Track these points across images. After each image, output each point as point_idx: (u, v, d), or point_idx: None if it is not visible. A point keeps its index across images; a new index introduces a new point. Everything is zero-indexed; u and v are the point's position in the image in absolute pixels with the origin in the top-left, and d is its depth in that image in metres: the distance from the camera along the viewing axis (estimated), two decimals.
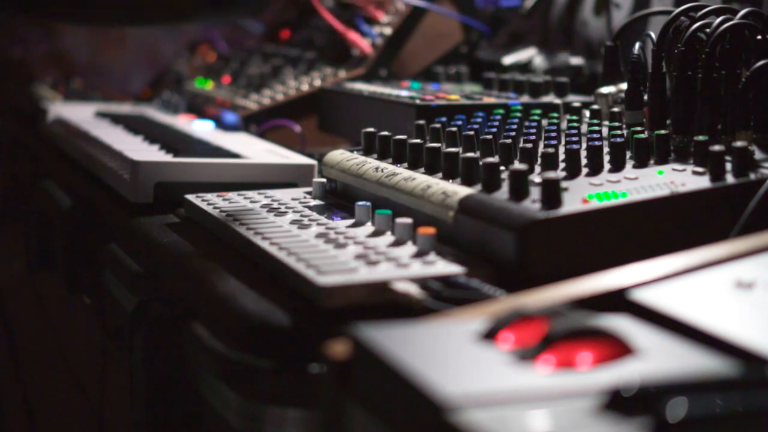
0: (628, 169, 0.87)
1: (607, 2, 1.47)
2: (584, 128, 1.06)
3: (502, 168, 0.87)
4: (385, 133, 1.04)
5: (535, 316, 0.56)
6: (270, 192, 1.06)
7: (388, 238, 0.85)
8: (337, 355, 0.56)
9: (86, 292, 1.21)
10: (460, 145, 1.00)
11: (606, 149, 0.90)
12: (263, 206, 0.98)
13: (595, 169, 0.87)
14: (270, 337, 0.72)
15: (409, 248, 0.81)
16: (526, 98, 1.28)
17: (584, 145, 0.91)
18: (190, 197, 1.04)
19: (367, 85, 1.48)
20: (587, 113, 1.13)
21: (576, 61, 1.45)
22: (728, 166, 0.83)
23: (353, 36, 1.63)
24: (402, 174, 0.92)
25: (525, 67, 1.54)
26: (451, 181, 0.89)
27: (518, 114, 1.13)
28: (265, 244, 0.84)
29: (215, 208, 0.98)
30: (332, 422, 0.57)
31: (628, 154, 0.90)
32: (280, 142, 1.37)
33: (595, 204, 0.78)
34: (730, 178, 0.82)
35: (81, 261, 1.21)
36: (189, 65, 2.08)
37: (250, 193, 1.05)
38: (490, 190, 0.83)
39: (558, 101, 1.25)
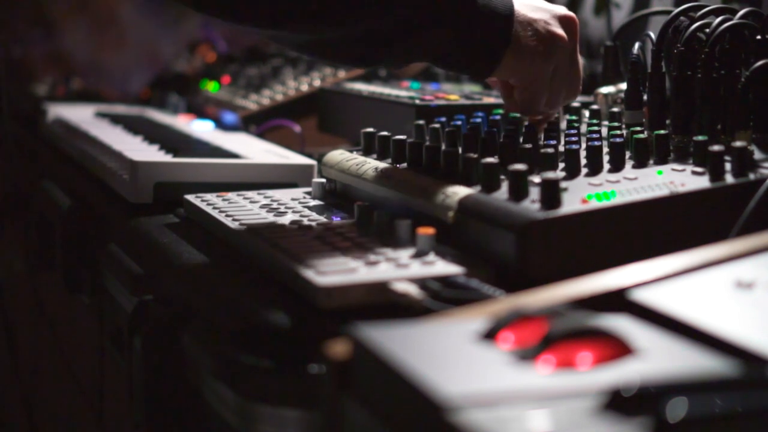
0: (628, 169, 0.87)
1: (607, 2, 1.47)
2: (584, 128, 1.06)
3: (502, 168, 0.87)
4: (385, 133, 1.04)
5: (535, 316, 0.56)
6: (270, 192, 1.06)
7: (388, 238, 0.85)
8: (337, 355, 0.56)
9: (86, 292, 1.21)
10: (460, 145, 1.00)
11: (605, 149, 0.90)
12: (263, 206, 0.98)
13: (594, 169, 0.87)
14: (270, 337, 0.72)
15: (409, 248, 0.81)
16: None
17: (584, 145, 0.91)
18: (190, 197, 1.04)
19: (367, 85, 1.48)
20: (587, 113, 1.12)
21: None
22: (728, 166, 0.83)
23: None
24: (401, 174, 0.92)
25: None
26: (450, 181, 0.89)
27: (518, 114, 1.13)
28: (265, 245, 0.84)
29: (215, 208, 0.98)
30: (332, 422, 0.57)
31: (628, 154, 0.90)
32: (280, 142, 1.37)
33: (594, 204, 0.78)
34: (729, 178, 0.82)
35: (81, 261, 1.21)
36: (189, 65, 2.08)
37: (250, 193, 1.05)
38: (490, 190, 0.83)
39: None
